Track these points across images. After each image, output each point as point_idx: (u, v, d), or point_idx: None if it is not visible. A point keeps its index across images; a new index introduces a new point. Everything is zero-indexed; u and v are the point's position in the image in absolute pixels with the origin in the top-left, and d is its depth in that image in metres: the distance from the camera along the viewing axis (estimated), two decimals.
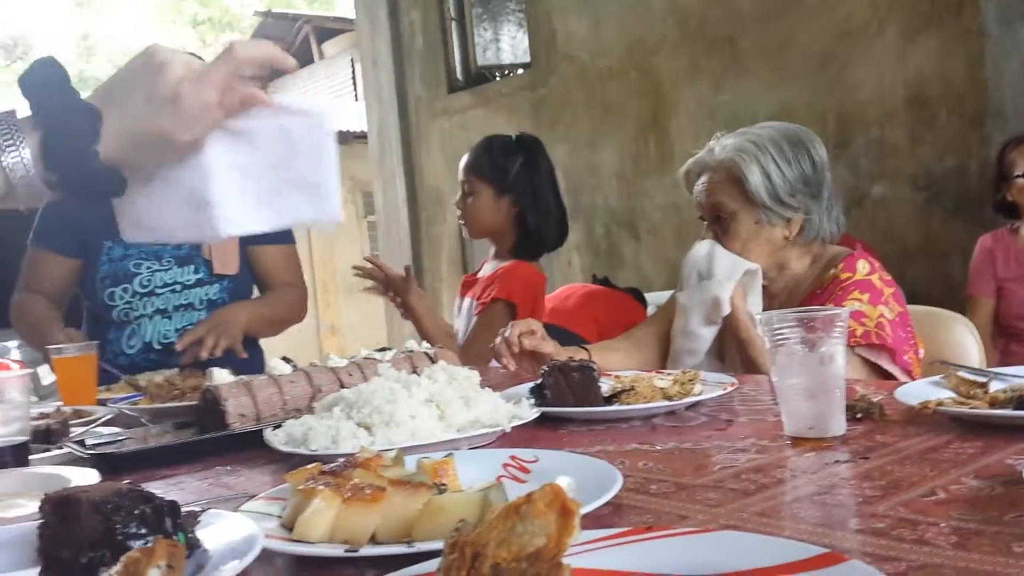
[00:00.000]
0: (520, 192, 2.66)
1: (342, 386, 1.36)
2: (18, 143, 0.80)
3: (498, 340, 1.73)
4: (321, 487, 0.77)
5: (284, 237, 2.53)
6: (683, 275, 1.86)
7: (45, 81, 0.84)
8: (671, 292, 2.10)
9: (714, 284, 1.74)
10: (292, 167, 0.93)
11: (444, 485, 0.83)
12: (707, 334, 1.77)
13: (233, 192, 0.91)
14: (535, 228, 2.66)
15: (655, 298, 4.56)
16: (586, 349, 1.84)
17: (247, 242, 2.41)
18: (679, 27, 5.55)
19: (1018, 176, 3.03)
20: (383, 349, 1.56)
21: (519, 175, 2.68)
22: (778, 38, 5.03)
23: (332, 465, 0.84)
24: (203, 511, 0.77)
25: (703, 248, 1.81)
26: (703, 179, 1.84)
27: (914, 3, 4.43)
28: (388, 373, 1.22)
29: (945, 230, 4.40)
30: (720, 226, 1.81)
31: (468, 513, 0.70)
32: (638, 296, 4.89)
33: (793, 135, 1.78)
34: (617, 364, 1.85)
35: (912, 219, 4.54)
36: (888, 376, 1.60)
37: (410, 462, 0.90)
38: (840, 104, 4.77)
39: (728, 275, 1.74)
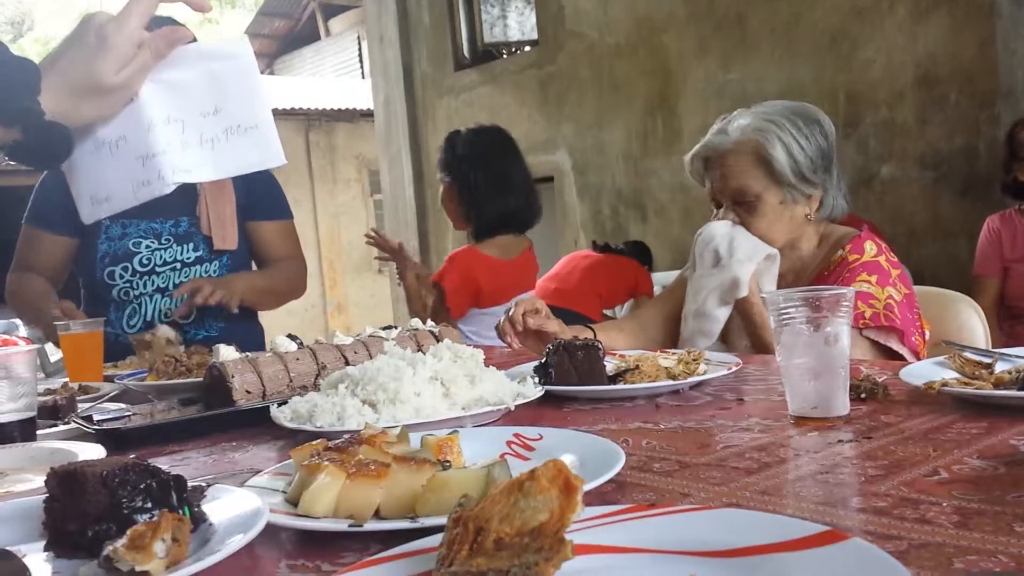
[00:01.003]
0: (459, 180, 2.92)
1: (347, 363, 1.37)
2: None
3: (503, 319, 1.73)
4: (326, 463, 0.77)
5: (282, 212, 2.52)
6: (696, 254, 1.83)
7: None
8: (676, 272, 2.09)
9: (734, 264, 1.72)
10: (227, 112, 0.94)
11: (448, 462, 0.84)
12: (722, 315, 1.75)
13: (175, 143, 0.92)
14: (466, 214, 2.92)
15: (660, 278, 4.56)
16: (591, 329, 1.84)
17: (245, 218, 2.40)
18: (688, 5, 5.51)
19: (1018, 159, 3.00)
20: (388, 327, 1.56)
21: (456, 165, 2.93)
22: (787, 16, 4.99)
23: (337, 441, 0.85)
24: (209, 486, 0.78)
25: (722, 228, 1.77)
26: (721, 163, 1.79)
27: None
28: (393, 351, 1.23)
29: (953, 211, 4.38)
30: (744, 208, 1.77)
31: (472, 489, 0.70)
32: (642, 252, 4.87)
33: (803, 111, 1.77)
34: (622, 344, 1.85)
35: (920, 200, 4.52)
36: (896, 358, 1.60)
37: (415, 439, 0.90)
38: (849, 83, 4.74)
39: (749, 256, 1.72)
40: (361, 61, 15.75)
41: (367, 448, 0.83)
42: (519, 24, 7.08)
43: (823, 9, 4.81)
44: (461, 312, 2.88)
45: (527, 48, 7.07)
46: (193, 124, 0.93)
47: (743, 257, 1.72)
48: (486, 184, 2.88)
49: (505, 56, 7.24)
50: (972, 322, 1.86)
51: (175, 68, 0.93)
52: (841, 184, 1.80)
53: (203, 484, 0.77)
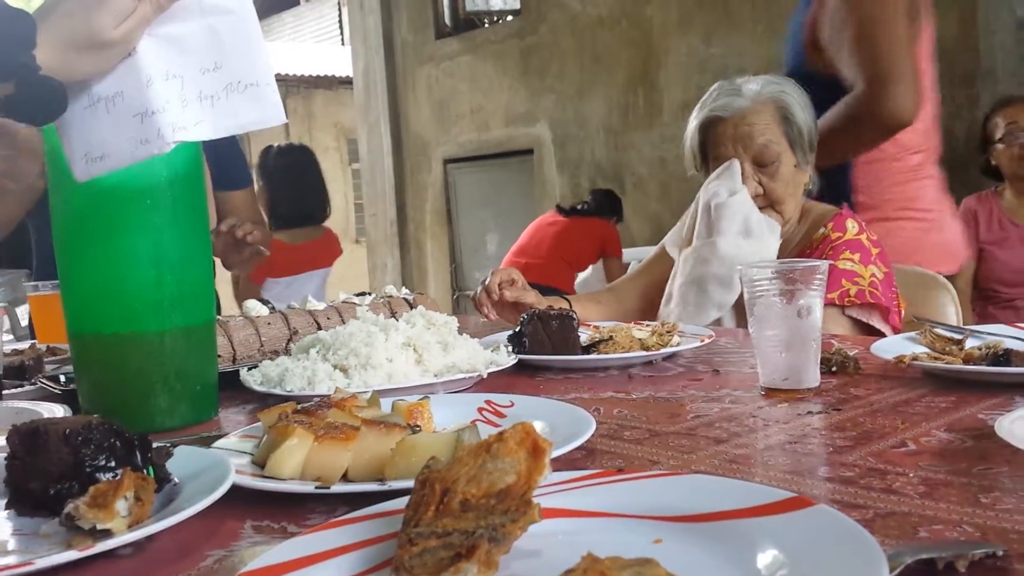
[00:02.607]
0: (267, 187, 4.00)
1: (319, 329, 1.35)
2: None
3: (479, 289, 1.72)
4: (294, 425, 0.76)
5: (246, 180, 2.48)
6: (709, 221, 1.74)
7: None
8: (652, 248, 2.08)
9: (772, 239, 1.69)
10: (227, 69, 0.92)
11: (418, 426, 0.83)
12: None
13: (174, 100, 0.90)
14: (268, 211, 3.89)
15: (637, 253, 4.57)
16: (567, 300, 1.84)
17: (214, 188, 2.35)
18: None
19: (999, 140, 3.02)
20: (362, 294, 1.55)
21: (267, 176, 4.03)
22: None
23: (306, 405, 0.84)
24: (174, 446, 0.77)
25: (750, 203, 1.70)
26: (741, 122, 1.72)
27: None
28: (366, 316, 1.22)
29: None
30: (767, 170, 1.71)
31: (440, 452, 0.70)
32: (610, 203, 4.88)
33: (799, 86, 1.76)
34: (598, 315, 1.86)
35: None
36: (878, 336, 1.61)
37: (386, 405, 0.90)
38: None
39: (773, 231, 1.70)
40: (341, 27, 15.56)
41: (336, 412, 0.82)
42: None
43: None
44: (259, 280, 3.76)
45: (509, 18, 7.01)
46: (193, 80, 0.91)
47: (771, 239, 1.69)
48: (286, 194, 3.95)
49: (487, 25, 7.17)
50: (945, 302, 1.87)
51: (174, 22, 0.91)
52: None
53: (168, 444, 0.76)
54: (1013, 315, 2.91)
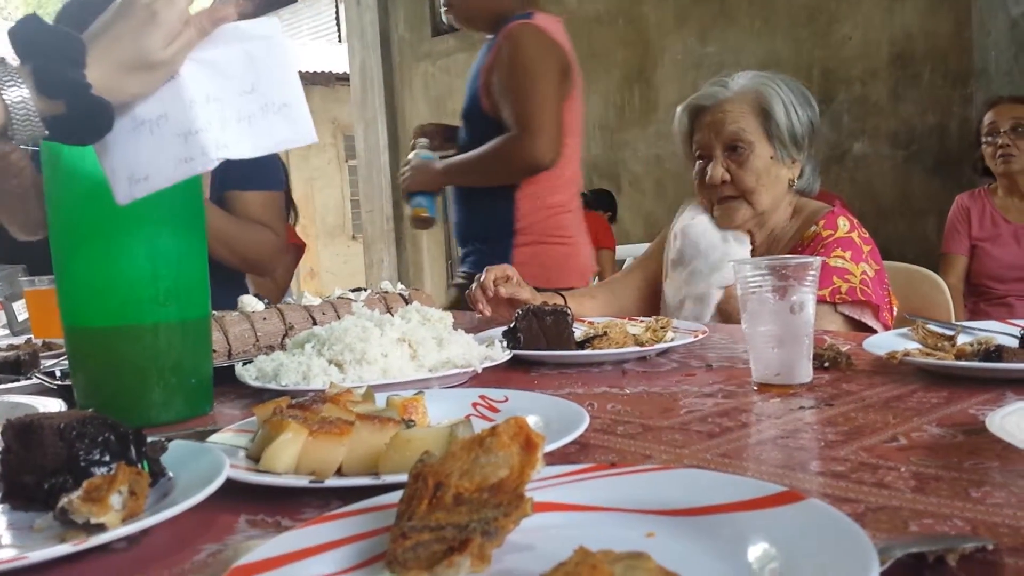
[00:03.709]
0: None
1: (315, 324, 1.36)
2: (17, 81, 0.85)
3: (474, 286, 1.73)
4: (289, 419, 0.77)
5: (266, 182, 2.34)
6: (684, 248, 1.82)
7: (26, 26, 0.88)
8: (647, 244, 2.09)
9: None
10: (262, 92, 0.96)
11: (412, 421, 0.83)
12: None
13: (215, 121, 0.93)
14: None
15: (632, 250, 4.57)
16: (562, 295, 1.84)
17: (224, 187, 2.26)
18: None
19: (987, 138, 3.03)
20: (358, 289, 1.55)
21: None
22: None
23: (301, 399, 0.84)
24: (169, 440, 0.77)
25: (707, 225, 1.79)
26: (718, 110, 1.78)
27: None
28: (361, 312, 1.22)
29: (923, 189, 4.42)
30: (736, 157, 1.76)
31: (434, 447, 0.70)
32: (607, 199, 4.88)
33: (797, 84, 1.78)
34: (593, 311, 1.86)
35: (890, 177, 4.55)
36: (870, 332, 1.61)
37: (380, 400, 0.90)
38: (825, 59, 4.74)
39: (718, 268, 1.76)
40: (338, 24, 15.53)
41: (331, 406, 0.82)
42: None
43: None
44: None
45: None
46: (231, 102, 0.95)
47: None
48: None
49: None
50: (937, 298, 1.88)
51: (213, 47, 0.95)
52: (815, 163, 1.82)
53: (163, 439, 0.77)
54: (1005, 311, 2.92)
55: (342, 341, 1.11)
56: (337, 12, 15.43)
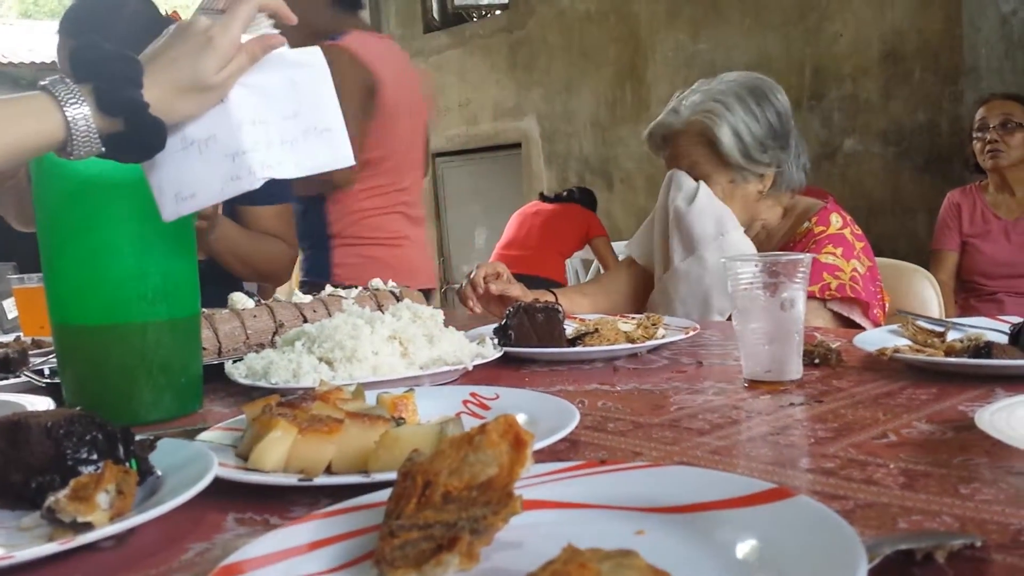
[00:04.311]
0: None
1: (305, 321, 1.35)
2: (79, 99, 0.89)
3: (464, 283, 1.72)
4: (278, 417, 0.76)
5: (282, 194, 2.31)
6: (686, 236, 1.77)
7: (88, 46, 0.93)
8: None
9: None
10: (304, 116, 1.01)
11: (403, 419, 0.83)
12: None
13: (261, 143, 0.99)
14: None
15: (624, 247, 4.57)
16: (554, 293, 1.84)
17: (236, 202, 2.20)
18: None
19: (977, 134, 3.05)
20: (348, 287, 1.54)
21: None
22: None
23: (290, 397, 0.84)
24: (157, 439, 0.76)
25: (709, 199, 1.74)
26: (674, 142, 1.79)
27: None
28: (352, 309, 1.21)
29: (913, 186, 4.43)
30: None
31: (424, 445, 0.70)
32: (587, 197, 4.93)
33: (755, 87, 1.74)
34: (585, 308, 1.86)
35: (881, 174, 4.57)
36: (860, 329, 1.61)
37: (370, 397, 0.90)
38: (816, 56, 4.75)
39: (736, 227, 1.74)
40: None
41: (320, 404, 0.82)
42: None
43: None
44: None
45: (498, 12, 6.99)
46: (276, 126, 1.00)
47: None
48: None
49: (475, 20, 7.15)
50: (928, 294, 1.89)
51: (259, 73, 1.00)
52: (801, 157, 1.79)
53: (152, 437, 0.76)
54: (995, 308, 2.93)
55: (332, 339, 1.10)
56: None
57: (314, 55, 1.04)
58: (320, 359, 1.09)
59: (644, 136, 1.88)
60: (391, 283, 1.59)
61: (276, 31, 1.04)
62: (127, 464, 0.71)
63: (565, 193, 4.83)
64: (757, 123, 1.72)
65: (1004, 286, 3.05)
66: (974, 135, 3.06)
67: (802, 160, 1.79)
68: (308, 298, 1.43)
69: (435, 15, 7.21)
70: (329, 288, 1.52)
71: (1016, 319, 1.16)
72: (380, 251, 2.47)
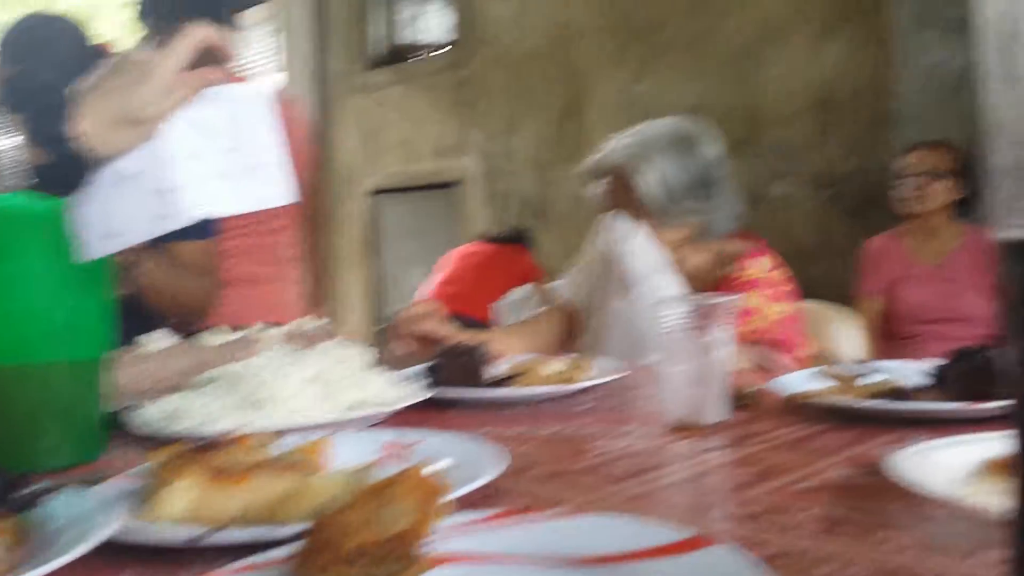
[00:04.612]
0: None
1: (225, 362, 1.31)
2: (9, 129, 0.89)
3: (395, 321, 1.70)
4: (184, 466, 0.73)
5: (202, 231, 2.33)
6: (621, 276, 1.77)
7: (20, 77, 0.98)
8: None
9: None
10: (243, 151, 0.99)
11: (317, 467, 0.80)
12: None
13: (195, 178, 0.95)
14: None
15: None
16: (485, 333, 1.83)
17: (167, 236, 2.19)
18: (603, 15, 5.57)
19: (902, 182, 3.14)
20: (271, 325, 1.51)
21: None
22: (698, 32, 5.10)
23: (200, 444, 0.81)
24: (54, 488, 0.73)
25: (643, 243, 1.75)
26: (600, 183, 1.83)
27: (828, 5, 4.56)
28: (273, 349, 1.18)
29: (843, 230, 4.55)
30: None
31: (336, 495, 0.68)
32: (523, 239, 4.95)
33: (683, 136, 1.76)
34: (516, 349, 1.84)
35: (811, 218, 4.68)
36: (782, 371, 1.63)
37: (289, 443, 0.87)
38: (753, 101, 4.87)
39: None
40: (273, 55, 15.44)
41: (231, 451, 0.79)
42: (434, 26, 7.04)
43: (732, 27, 4.94)
44: None
45: (442, 50, 7.04)
46: (212, 161, 0.97)
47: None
48: None
49: (419, 57, 7.19)
50: (852, 338, 1.93)
51: (197, 107, 0.97)
52: (731, 205, 1.81)
53: (49, 486, 0.72)
54: (917, 351, 3.00)
55: (251, 381, 1.07)
56: (271, 41, 15.35)
57: (256, 91, 1.03)
58: (235, 403, 1.06)
59: (579, 172, 1.91)
60: (322, 320, 1.56)
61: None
62: (20, 515, 0.67)
63: (503, 233, 4.86)
64: (680, 172, 1.74)
65: (926, 330, 3.13)
66: (899, 181, 3.16)
67: (732, 208, 1.81)
68: (229, 337, 1.39)
69: (379, 51, 7.23)
70: (252, 326, 1.48)
71: (937, 362, 1.19)
72: (247, 290, 2.45)
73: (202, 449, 0.78)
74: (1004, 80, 0.31)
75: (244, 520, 0.71)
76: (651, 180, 1.73)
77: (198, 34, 0.98)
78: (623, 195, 1.77)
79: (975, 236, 3.09)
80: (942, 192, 3.07)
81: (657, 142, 1.75)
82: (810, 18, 4.61)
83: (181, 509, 0.71)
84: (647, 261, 1.73)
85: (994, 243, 0.34)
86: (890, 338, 3.23)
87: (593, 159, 1.87)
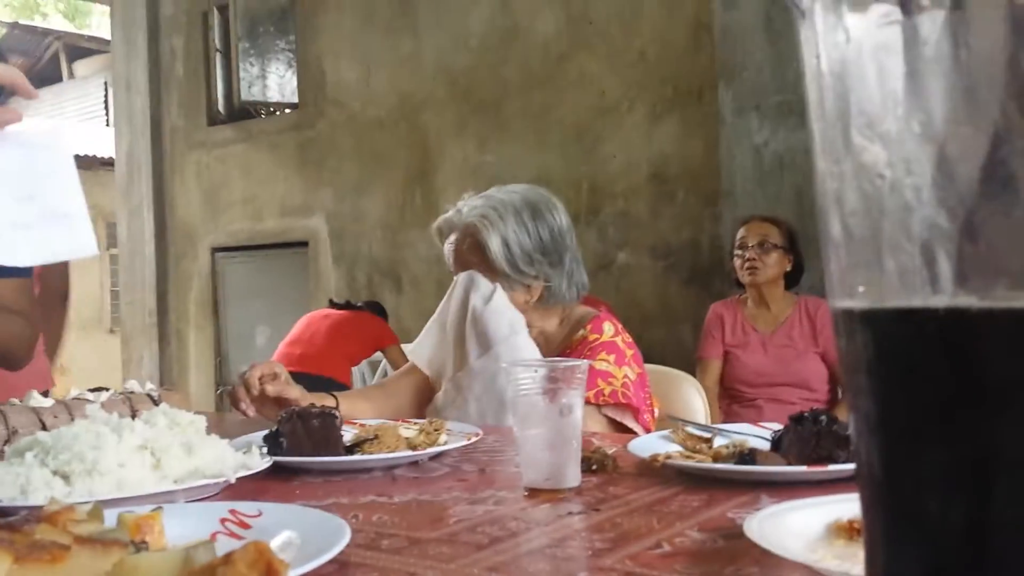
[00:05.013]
0: None
1: (43, 428, 1.19)
2: None
3: (237, 383, 1.61)
4: None
5: (17, 269, 2.14)
6: (481, 334, 1.74)
7: None
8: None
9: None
10: (42, 200, 0.92)
11: (145, 543, 0.73)
12: None
13: None
14: None
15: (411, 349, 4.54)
16: (335, 396, 1.76)
17: None
18: (448, 87, 5.68)
19: (737, 252, 3.32)
20: (98, 389, 1.39)
21: None
22: (539, 107, 5.29)
23: (12, 518, 0.71)
24: None
25: (504, 301, 1.74)
26: (450, 240, 1.84)
27: (660, 87, 4.83)
28: (97, 415, 1.08)
29: (679, 297, 4.76)
30: None
31: (166, 575, 0.61)
32: (377, 310, 4.90)
33: (533, 203, 1.79)
34: (367, 413, 1.78)
35: (651, 286, 4.88)
36: (632, 434, 1.65)
37: (111, 517, 0.78)
38: (592, 175, 5.07)
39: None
40: (107, 107, 14.79)
41: (46, 526, 0.70)
42: (279, 86, 6.94)
43: (571, 105, 5.15)
44: None
45: (287, 111, 6.94)
46: (6, 208, 0.90)
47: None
48: None
49: (264, 116, 7.05)
50: (694, 400, 1.98)
51: None
52: (575, 273, 1.83)
53: None
54: (755, 414, 3.14)
55: (70, 449, 0.97)
56: (106, 95, 14.71)
57: (56, 136, 0.95)
58: (54, 472, 0.95)
59: (432, 229, 1.91)
60: (148, 385, 1.45)
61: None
62: None
63: (356, 304, 4.80)
64: (528, 237, 1.76)
65: (763, 394, 3.28)
66: (735, 252, 3.33)
67: (576, 277, 1.83)
68: (49, 401, 1.27)
69: (220, 108, 7.04)
70: (74, 390, 1.36)
71: (776, 425, 1.23)
72: None
73: (14, 524, 0.69)
74: (833, 154, 0.32)
75: None
76: (498, 239, 1.74)
77: None
78: (472, 255, 1.78)
79: (805, 305, 3.29)
80: (775, 263, 3.25)
81: (509, 204, 1.77)
82: (642, 101, 4.88)
83: None
84: (507, 320, 1.72)
85: (828, 312, 0.34)
86: (730, 400, 3.36)
87: (444, 217, 1.87)
